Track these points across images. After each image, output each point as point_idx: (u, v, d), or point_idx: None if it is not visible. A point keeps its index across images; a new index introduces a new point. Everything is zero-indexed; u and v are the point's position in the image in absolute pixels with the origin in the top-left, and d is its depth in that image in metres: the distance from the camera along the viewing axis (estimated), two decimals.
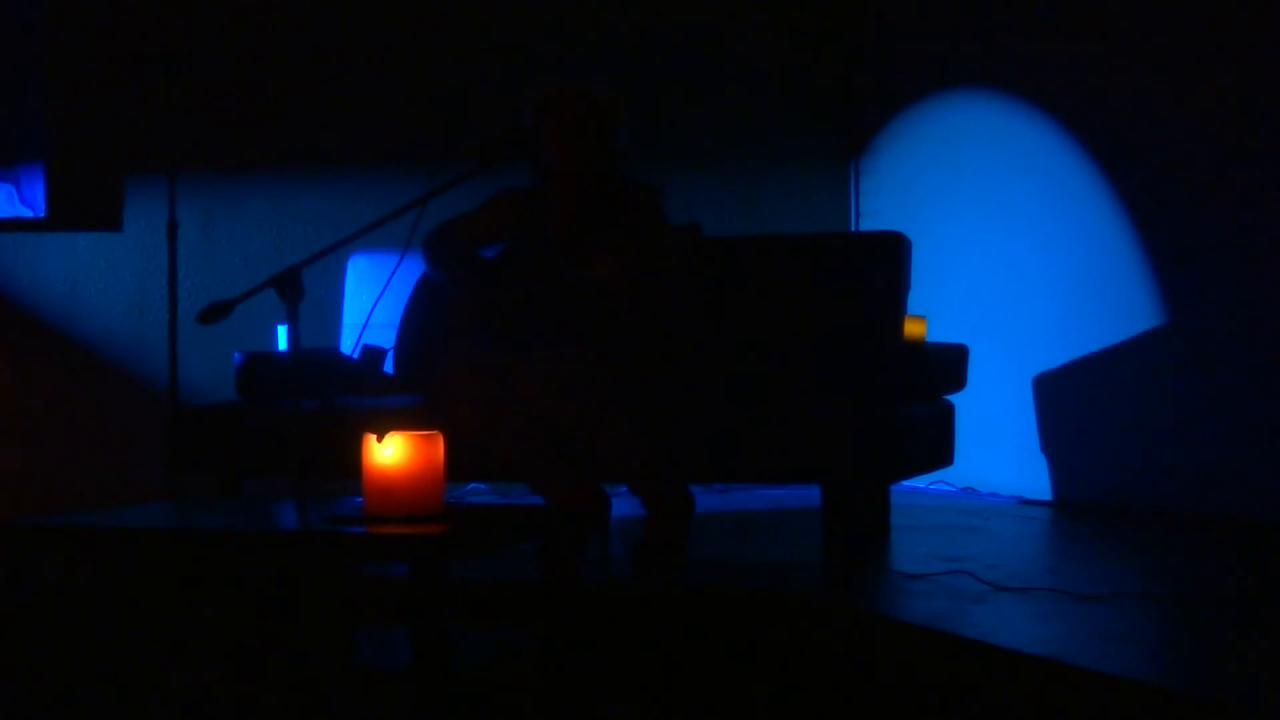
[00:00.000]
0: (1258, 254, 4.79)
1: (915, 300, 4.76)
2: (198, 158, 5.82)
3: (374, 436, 3.21)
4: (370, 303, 4.53)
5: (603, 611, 3.70)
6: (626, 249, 3.90)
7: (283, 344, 5.15)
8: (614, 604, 3.73)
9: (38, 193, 5.78)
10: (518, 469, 4.06)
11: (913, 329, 4.83)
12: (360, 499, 3.28)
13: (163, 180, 5.41)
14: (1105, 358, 5.34)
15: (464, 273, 4.25)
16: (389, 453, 3.20)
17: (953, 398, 4.80)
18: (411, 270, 4.42)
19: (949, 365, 4.71)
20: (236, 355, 4.78)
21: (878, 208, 6.45)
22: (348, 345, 4.87)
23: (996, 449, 5.77)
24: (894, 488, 4.71)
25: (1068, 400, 5.54)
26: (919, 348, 4.64)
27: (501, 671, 3.36)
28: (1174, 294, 5.09)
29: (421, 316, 4.41)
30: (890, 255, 4.56)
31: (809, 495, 4.91)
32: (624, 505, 4.66)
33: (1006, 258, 5.81)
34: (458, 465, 3.46)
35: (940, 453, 4.64)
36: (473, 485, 5.74)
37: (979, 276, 5.94)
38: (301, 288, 3.42)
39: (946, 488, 5.86)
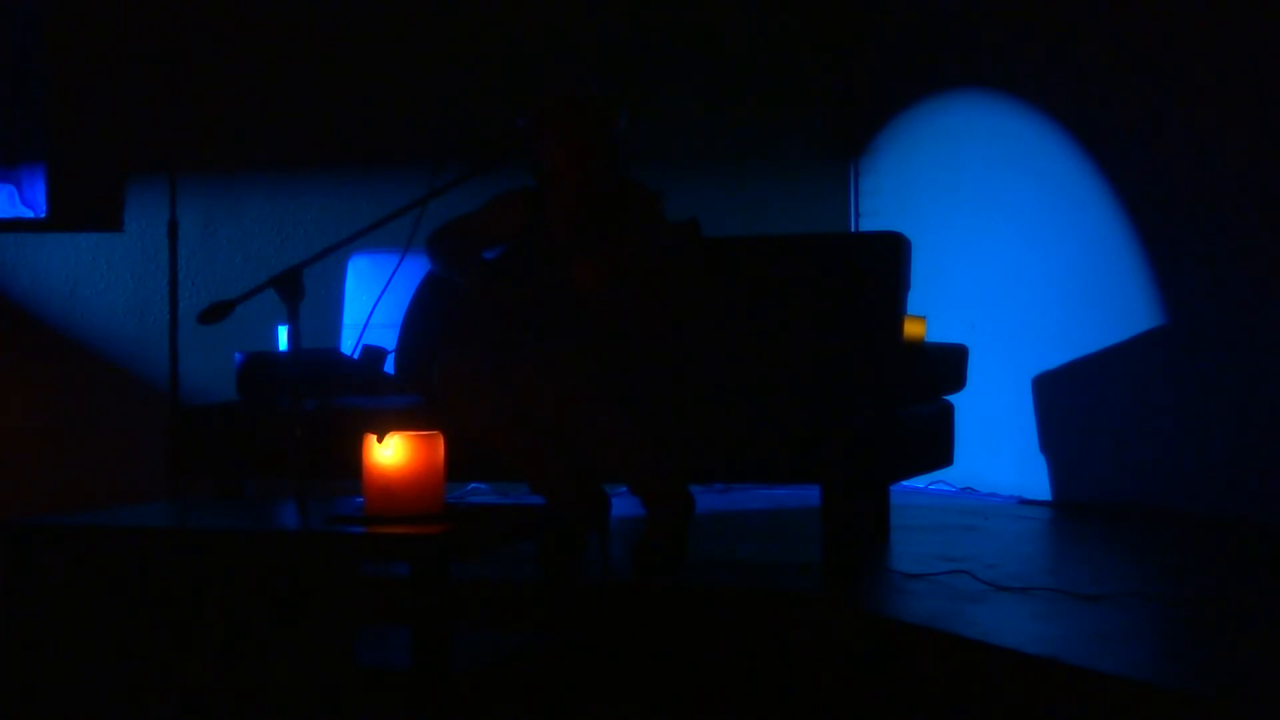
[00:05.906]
0: (1257, 254, 4.79)
1: (915, 300, 4.76)
2: (198, 158, 5.82)
3: (374, 436, 3.22)
4: (370, 303, 4.53)
5: (603, 611, 3.70)
6: (621, 249, 3.90)
7: (283, 344, 5.15)
8: (614, 604, 3.73)
9: (39, 193, 5.78)
10: (518, 469, 4.06)
11: (913, 329, 4.82)
12: (360, 499, 3.29)
13: (163, 180, 5.42)
14: (1105, 358, 5.34)
15: (470, 267, 4.25)
16: (389, 453, 3.20)
17: (952, 398, 4.80)
18: (412, 271, 4.42)
19: (949, 365, 4.71)
20: (237, 355, 4.78)
21: (878, 208, 6.45)
22: (348, 345, 4.87)
23: (996, 449, 5.77)
24: (894, 488, 4.71)
25: (1068, 400, 5.54)
26: (919, 348, 4.64)
27: (501, 671, 3.36)
28: (1174, 294, 5.09)
29: (423, 317, 4.41)
30: (890, 255, 4.56)
31: (809, 495, 4.90)
32: (624, 505, 4.66)
33: (1006, 258, 5.81)
34: (458, 465, 3.47)
35: (940, 453, 4.65)
36: (473, 485, 5.74)
37: (979, 276, 5.94)
38: (302, 288, 3.43)
39: (946, 488, 5.87)
